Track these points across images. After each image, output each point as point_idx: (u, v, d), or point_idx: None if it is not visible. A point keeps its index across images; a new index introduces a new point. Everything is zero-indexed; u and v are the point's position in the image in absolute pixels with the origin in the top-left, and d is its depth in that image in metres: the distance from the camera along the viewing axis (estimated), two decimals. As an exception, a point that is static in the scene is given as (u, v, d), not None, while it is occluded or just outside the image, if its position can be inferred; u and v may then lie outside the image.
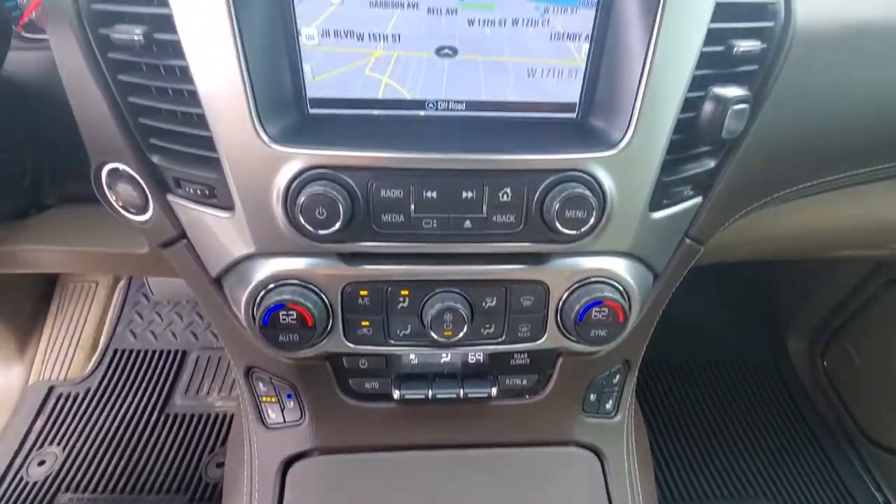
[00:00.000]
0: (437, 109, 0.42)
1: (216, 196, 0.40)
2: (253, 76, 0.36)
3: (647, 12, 0.36)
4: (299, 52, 0.39)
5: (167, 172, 0.41)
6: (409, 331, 0.43)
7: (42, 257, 0.56)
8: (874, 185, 0.54)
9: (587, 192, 0.38)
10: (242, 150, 0.37)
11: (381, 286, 0.42)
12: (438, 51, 0.40)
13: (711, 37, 0.38)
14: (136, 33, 0.35)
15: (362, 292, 0.42)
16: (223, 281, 0.45)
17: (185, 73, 0.36)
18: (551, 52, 0.40)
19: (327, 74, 0.40)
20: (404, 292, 0.42)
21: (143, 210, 0.44)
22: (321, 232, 0.37)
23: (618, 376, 0.53)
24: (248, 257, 0.41)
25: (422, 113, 0.42)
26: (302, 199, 0.36)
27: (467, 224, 0.40)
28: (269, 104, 0.37)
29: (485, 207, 0.39)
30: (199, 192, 0.40)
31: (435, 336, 0.41)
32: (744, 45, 0.39)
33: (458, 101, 0.42)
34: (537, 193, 0.39)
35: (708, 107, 0.39)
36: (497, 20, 0.39)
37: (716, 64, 0.39)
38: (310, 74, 0.40)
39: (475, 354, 0.47)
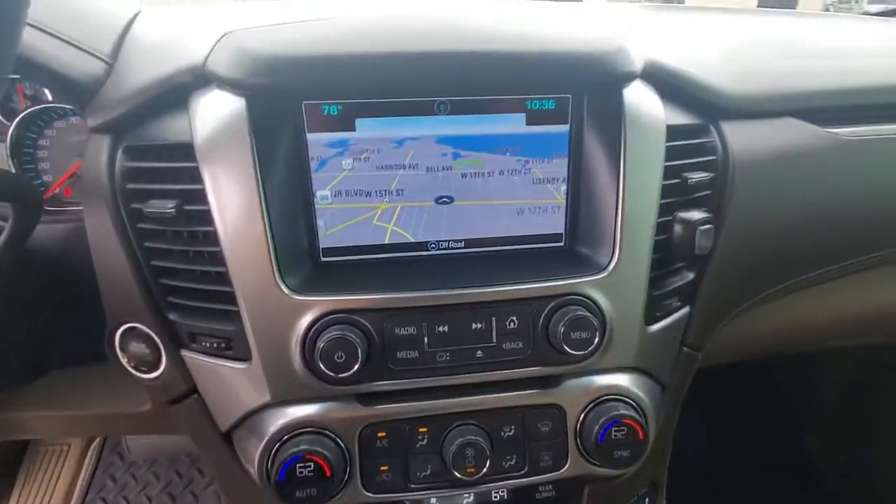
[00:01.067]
0: (439, 249, 0.46)
1: (232, 348, 0.41)
2: (275, 235, 0.39)
3: (611, 158, 0.43)
4: (314, 210, 0.44)
5: (182, 328, 0.42)
6: (429, 471, 0.42)
7: (37, 424, 0.53)
8: (856, 276, 0.59)
9: (587, 314, 0.40)
10: (263, 302, 0.39)
11: (400, 425, 0.42)
12: (437, 200, 0.45)
13: (668, 172, 0.44)
14: (169, 207, 0.39)
15: (380, 434, 0.41)
16: (233, 435, 0.44)
17: (210, 237, 0.40)
18: (535, 194, 0.46)
19: (338, 227, 0.45)
20: (422, 430, 0.42)
21: (154, 367, 0.44)
22: (340, 375, 0.38)
23: (647, 500, 0.51)
24: (262, 408, 0.41)
25: (425, 253, 0.46)
26: (321, 344, 0.38)
27: (479, 353, 0.41)
28: (288, 258, 0.41)
29: (494, 336, 0.41)
30: (214, 345, 0.41)
31: (457, 474, 0.40)
32: (695, 177, 0.46)
33: (457, 241, 0.46)
34: (542, 319, 0.41)
35: (678, 229, 0.44)
36: (486, 172, 0.45)
37: (676, 193, 0.45)
38: (323, 228, 0.44)
39: (498, 492, 0.45)
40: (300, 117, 0.41)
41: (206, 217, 0.39)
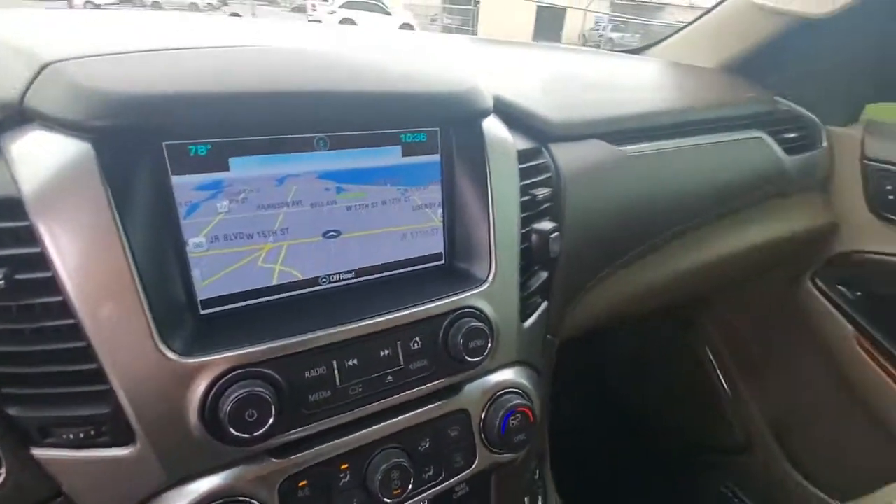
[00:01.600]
0: (330, 283, 0.46)
1: (105, 433, 0.35)
2: (149, 293, 0.35)
3: (479, 182, 0.49)
4: (187, 260, 0.39)
5: (30, 423, 0.34)
6: None
7: None
8: (653, 254, 0.76)
9: (479, 323, 0.45)
10: (143, 373, 0.34)
11: (320, 469, 0.40)
12: (325, 234, 0.45)
13: (522, 191, 0.52)
14: None
15: (301, 484, 0.40)
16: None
17: (57, 308, 0.33)
18: (416, 220, 0.50)
19: (219, 274, 0.41)
20: (344, 467, 0.41)
21: (-15, 480, 0.34)
22: (253, 434, 0.35)
23: (538, 471, 0.59)
24: (157, 494, 0.36)
25: (317, 288, 0.46)
26: (227, 406, 0.35)
27: (389, 378, 0.43)
28: (166, 317, 0.36)
29: (401, 359, 0.43)
30: (81, 435, 0.34)
31: (386, 500, 0.41)
32: (541, 192, 0.55)
33: (348, 272, 0.47)
34: (440, 334, 0.45)
35: (535, 238, 0.53)
36: (370, 203, 0.46)
37: (529, 208, 0.54)
38: (199, 278, 0.40)
39: (421, 503, 0.47)
40: (162, 159, 0.37)
41: (50, 285, 0.33)
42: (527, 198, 0.53)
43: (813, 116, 0.97)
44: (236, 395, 0.35)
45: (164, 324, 0.35)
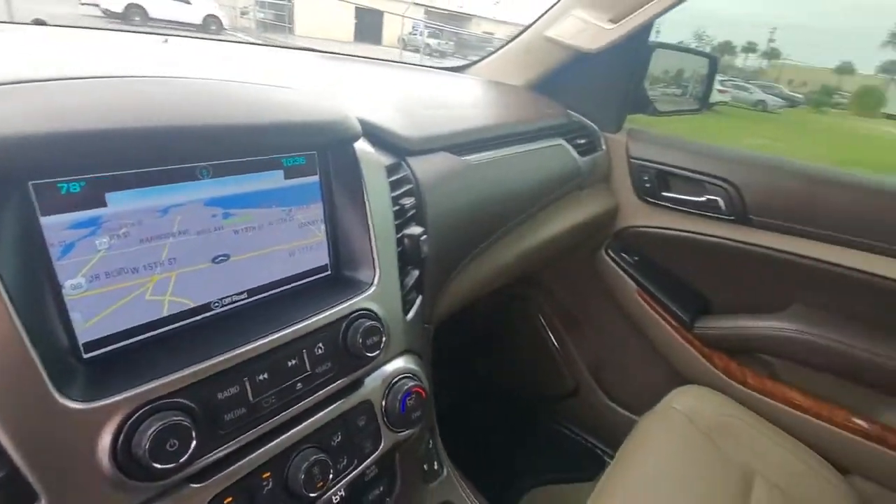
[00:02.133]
0: (223, 306, 0.47)
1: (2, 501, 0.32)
2: (35, 341, 0.33)
3: (356, 196, 0.55)
4: (64, 303, 0.37)
5: None
6: None
7: None
8: (498, 241, 0.90)
9: (373, 321, 0.52)
10: (40, 426, 0.32)
11: (242, 483, 0.42)
12: (213, 259, 0.46)
13: (392, 202, 0.60)
14: None
15: (227, 501, 0.41)
16: None
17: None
18: (302, 236, 0.53)
19: (102, 314, 0.40)
20: (266, 475, 0.44)
21: None
22: (178, 462, 0.36)
23: (430, 441, 0.68)
24: None
25: (211, 314, 0.46)
26: (146, 441, 0.35)
27: (299, 385, 0.46)
28: (57, 366, 0.34)
29: (308, 365, 0.47)
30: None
31: (311, 494, 0.45)
32: (407, 202, 0.64)
33: (240, 293, 0.48)
34: (340, 337, 0.50)
35: (407, 242, 0.61)
36: (256, 225, 0.49)
37: (399, 216, 0.62)
38: (80, 320, 0.38)
39: (337, 493, 0.51)
40: (29, 200, 0.35)
41: None
42: (396, 208, 0.61)
43: (593, 125, 1.25)
44: (154, 428, 0.35)
45: (57, 373, 0.34)
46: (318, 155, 0.53)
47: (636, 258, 1.32)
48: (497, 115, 0.98)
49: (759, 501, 0.88)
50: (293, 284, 0.53)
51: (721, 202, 1.15)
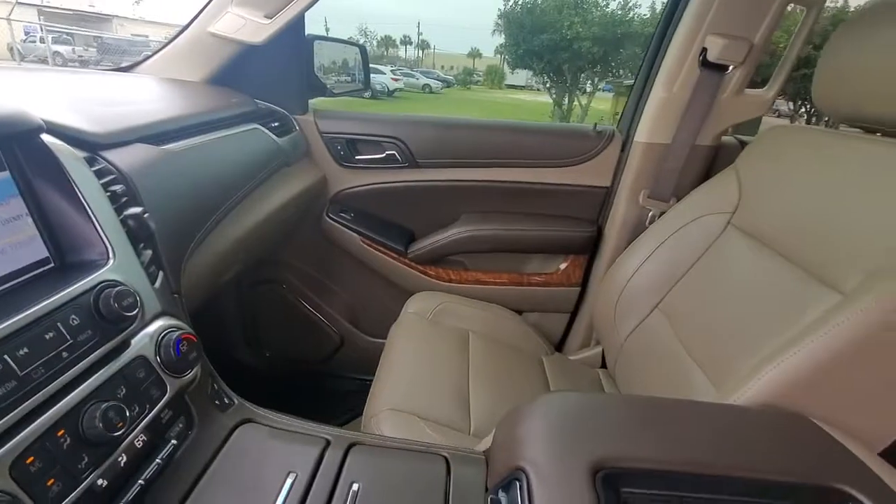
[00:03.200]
0: (-63, 313, 0.46)
1: None
2: None
3: (66, 189, 0.58)
4: None
5: None
6: (86, 457, 0.48)
7: None
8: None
9: (121, 286, 0.57)
10: None
11: (39, 444, 0.44)
12: None
13: (104, 188, 0.64)
14: None
15: (28, 461, 0.43)
16: None
17: None
18: (9, 233, 0.53)
19: None
20: (61, 433, 0.46)
21: None
22: None
23: (215, 385, 0.74)
24: None
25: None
26: None
27: (64, 354, 0.50)
28: None
29: (67, 335, 0.51)
30: None
31: (114, 434, 0.50)
32: (117, 188, 0.68)
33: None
34: (92, 307, 0.54)
35: (132, 222, 0.66)
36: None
37: (116, 201, 0.66)
38: None
39: (138, 438, 0.56)
40: None
41: None
42: (109, 193, 0.65)
43: (282, 110, 1.42)
44: None
45: None
46: (2, 150, 0.53)
47: (352, 214, 1.59)
48: (184, 107, 1.04)
49: (475, 348, 1.28)
50: (14, 282, 0.53)
51: (397, 155, 1.51)
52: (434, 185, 1.54)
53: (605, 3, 14.81)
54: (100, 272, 0.57)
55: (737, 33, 1.19)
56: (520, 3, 15.23)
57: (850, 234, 0.77)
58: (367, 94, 1.91)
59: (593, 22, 14.46)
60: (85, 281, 0.55)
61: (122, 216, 0.65)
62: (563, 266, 1.60)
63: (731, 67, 1.23)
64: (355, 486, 0.59)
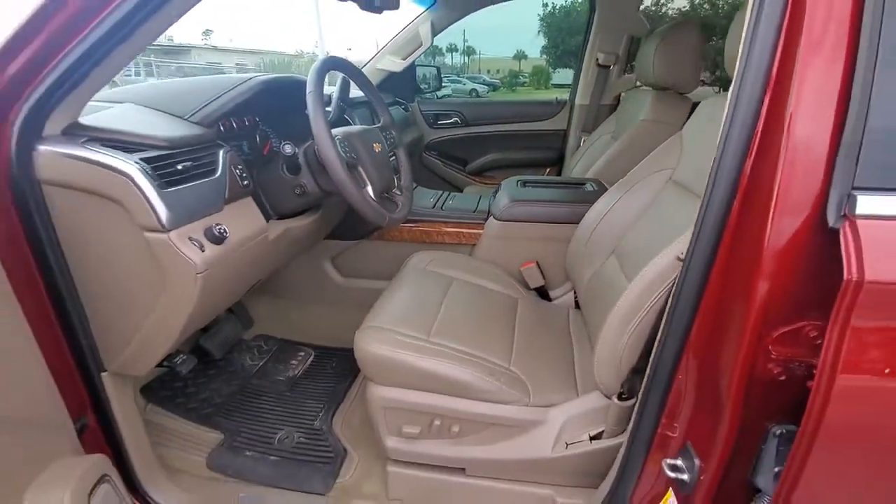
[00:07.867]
0: None
1: None
2: None
3: None
4: None
5: None
6: None
7: None
8: None
9: None
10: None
11: None
12: None
13: None
14: None
15: None
16: None
17: None
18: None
19: None
20: None
21: None
22: None
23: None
24: None
25: None
26: None
27: None
28: None
29: None
30: None
31: None
32: None
33: None
34: None
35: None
36: None
37: None
38: None
39: None
40: None
41: None
42: None
43: (405, 101, 2.99)
44: None
45: None
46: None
47: (437, 152, 3.14)
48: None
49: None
50: None
51: (457, 119, 3.07)
52: (475, 135, 3.06)
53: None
54: None
55: (610, 50, 2.64)
56: (557, 6, 16.43)
57: None
58: (438, 94, 3.49)
59: (629, 20, 15.22)
60: None
61: None
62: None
63: (611, 66, 2.68)
64: None
